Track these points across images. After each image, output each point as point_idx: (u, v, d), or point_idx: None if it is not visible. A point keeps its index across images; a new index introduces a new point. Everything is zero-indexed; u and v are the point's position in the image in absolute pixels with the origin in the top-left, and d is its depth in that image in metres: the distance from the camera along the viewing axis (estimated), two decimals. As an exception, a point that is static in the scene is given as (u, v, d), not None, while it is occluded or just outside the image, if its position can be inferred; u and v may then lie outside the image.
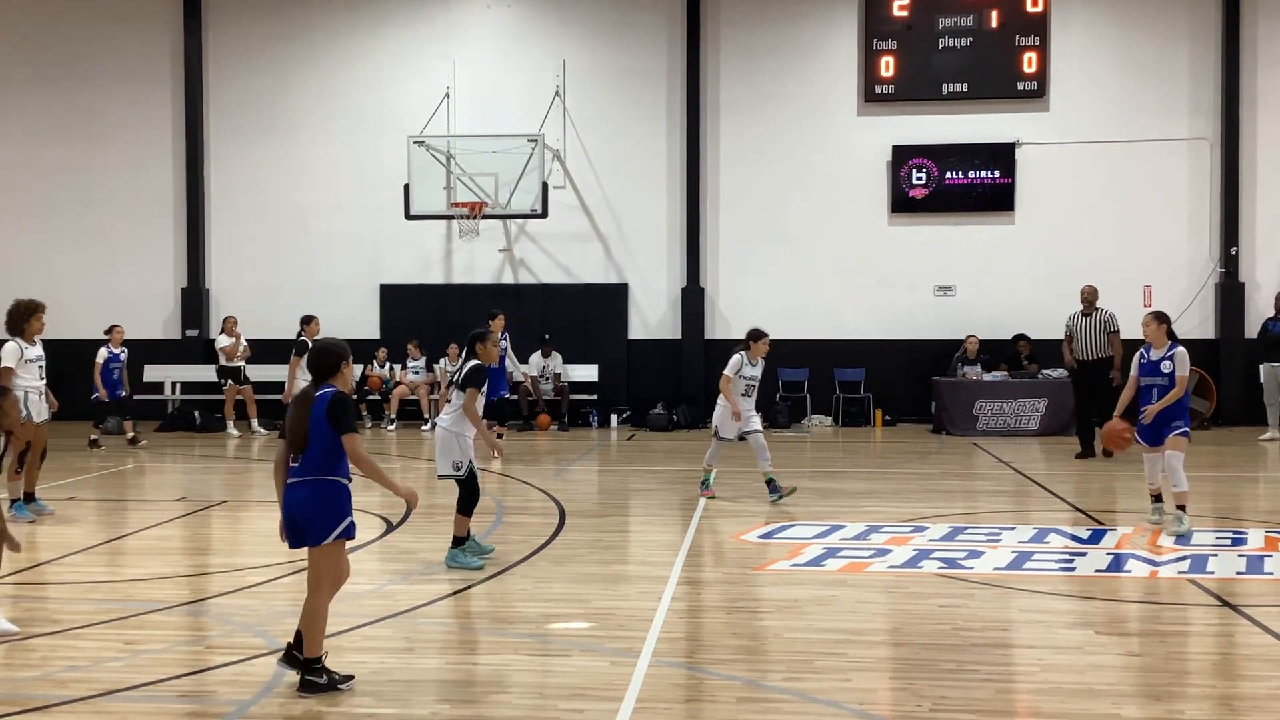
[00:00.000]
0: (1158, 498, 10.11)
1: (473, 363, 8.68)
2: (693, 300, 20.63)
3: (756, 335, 11.69)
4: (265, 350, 19.82)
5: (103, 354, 16.83)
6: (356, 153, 20.99)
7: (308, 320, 17.54)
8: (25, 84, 21.29)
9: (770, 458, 11.61)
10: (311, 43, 21.17)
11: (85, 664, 6.22)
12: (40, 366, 10.76)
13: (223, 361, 18.73)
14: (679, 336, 20.76)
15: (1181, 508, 9.64)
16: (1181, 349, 9.90)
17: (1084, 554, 9.01)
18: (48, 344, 11.33)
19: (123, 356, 17.21)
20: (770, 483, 11.50)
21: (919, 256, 20.36)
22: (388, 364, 20.05)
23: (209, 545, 9.72)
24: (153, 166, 21.32)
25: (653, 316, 20.97)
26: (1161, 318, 10.05)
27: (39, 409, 10.72)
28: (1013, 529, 10.08)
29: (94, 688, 5.78)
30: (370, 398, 19.86)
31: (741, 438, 11.69)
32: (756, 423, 11.72)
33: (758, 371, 11.72)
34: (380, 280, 20.92)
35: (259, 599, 7.69)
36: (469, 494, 8.55)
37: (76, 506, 11.45)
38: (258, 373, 19.49)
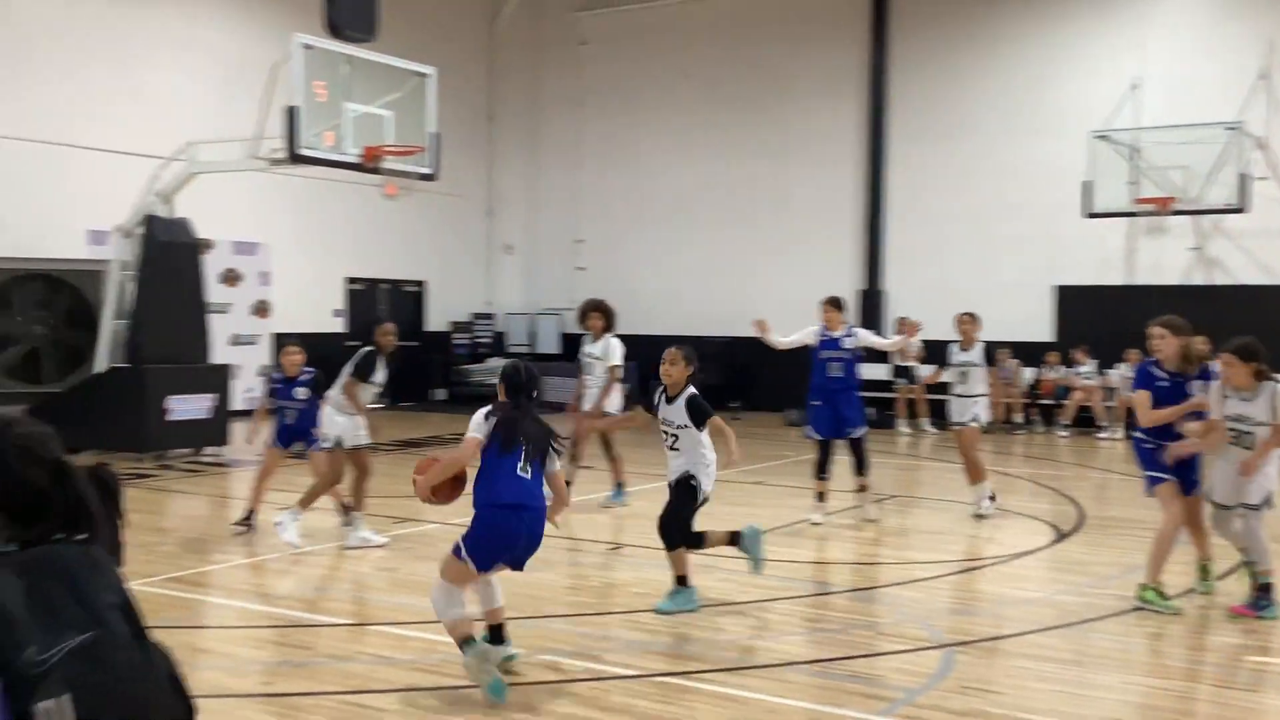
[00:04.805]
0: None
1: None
2: None
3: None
4: (936, 350, 20.09)
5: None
6: (1031, 151, 20.50)
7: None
8: (729, 105, 23.36)
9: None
10: (992, 42, 21.03)
11: (771, 635, 6.74)
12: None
13: (897, 361, 19.25)
14: None
15: None
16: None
17: None
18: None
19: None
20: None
21: None
22: (1059, 367, 19.40)
23: (879, 536, 10.01)
24: (837, 174, 22.42)
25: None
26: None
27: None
28: None
29: (776, 658, 6.22)
30: (1042, 402, 19.37)
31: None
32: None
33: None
34: (1055, 281, 20.28)
35: (925, 593, 7.80)
36: None
37: (764, 490, 12.29)
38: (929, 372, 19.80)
